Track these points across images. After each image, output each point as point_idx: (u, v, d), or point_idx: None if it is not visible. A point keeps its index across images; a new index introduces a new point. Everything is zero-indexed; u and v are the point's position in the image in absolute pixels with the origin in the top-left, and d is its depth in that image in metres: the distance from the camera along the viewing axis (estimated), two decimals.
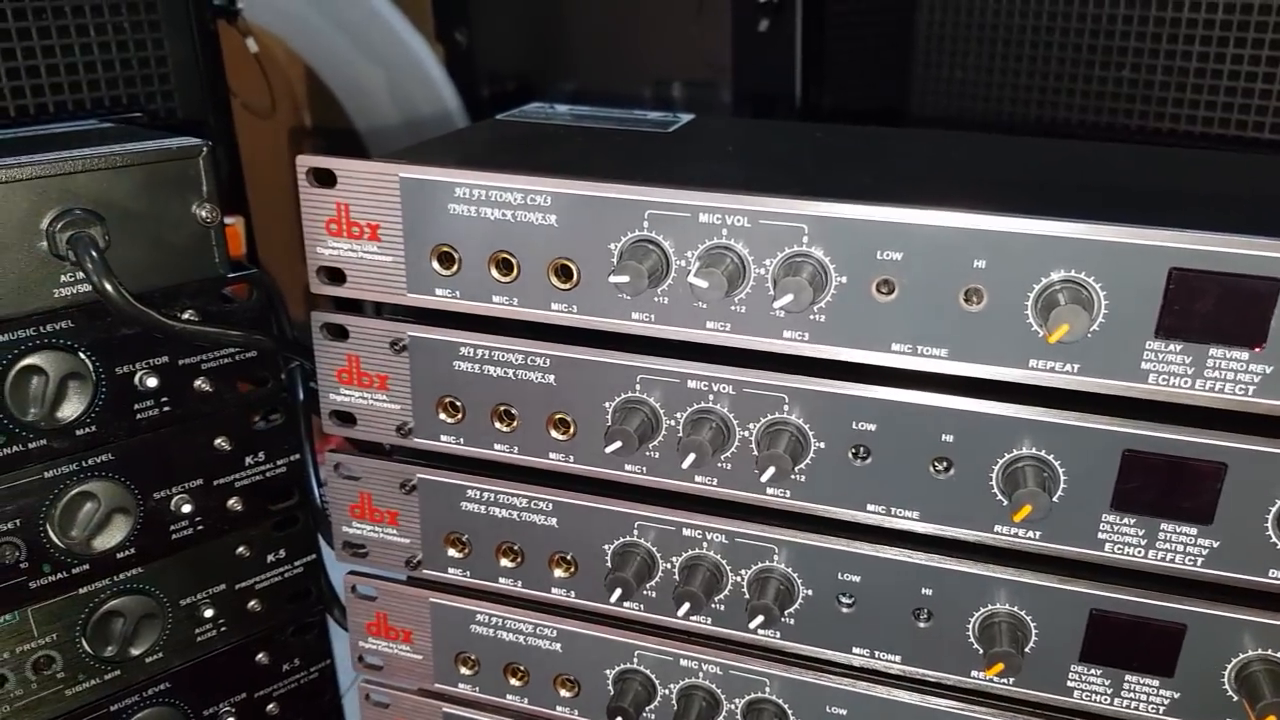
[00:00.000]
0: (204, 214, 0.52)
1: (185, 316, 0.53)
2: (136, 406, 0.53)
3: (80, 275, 0.49)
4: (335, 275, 0.53)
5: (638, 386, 0.51)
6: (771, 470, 0.47)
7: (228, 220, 0.85)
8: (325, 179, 0.51)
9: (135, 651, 0.57)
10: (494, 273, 0.50)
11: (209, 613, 0.59)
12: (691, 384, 0.50)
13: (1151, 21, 0.91)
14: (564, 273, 0.49)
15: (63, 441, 0.51)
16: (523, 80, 1.73)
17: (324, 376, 0.56)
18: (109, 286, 0.47)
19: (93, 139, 0.53)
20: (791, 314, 0.46)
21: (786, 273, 0.45)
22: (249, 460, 0.58)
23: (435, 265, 0.51)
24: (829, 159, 0.60)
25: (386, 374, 0.55)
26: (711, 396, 0.50)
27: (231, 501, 0.58)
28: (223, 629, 0.60)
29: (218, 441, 0.56)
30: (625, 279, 0.46)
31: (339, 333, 0.55)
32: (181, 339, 0.53)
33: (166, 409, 0.54)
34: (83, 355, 0.50)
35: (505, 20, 1.74)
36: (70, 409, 0.50)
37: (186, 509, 0.56)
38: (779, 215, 0.45)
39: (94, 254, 0.47)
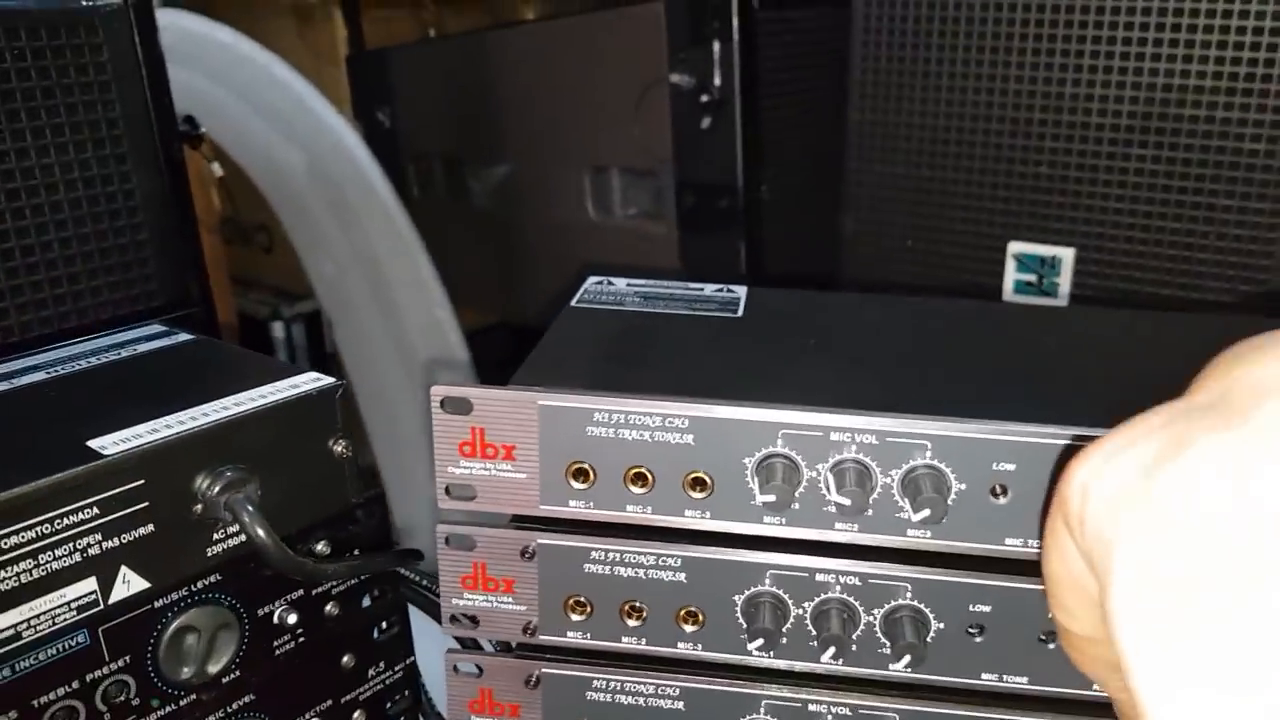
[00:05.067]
0: (339, 449, 0.52)
1: (318, 549, 0.53)
2: (276, 644, 0.52)
3: (232, 529, 0.48)
4: (464, 491, 0.55)
5: (766, 581, 0.55)
6: (906, 656, 0.53)
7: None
8: (461, 407, 0.53)
9: None
10: (630, 487, 0.53)
11: None
12: (820, 577, 0.54)
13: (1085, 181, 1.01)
14: (699, 484, 0.53)
15: (210, 693, 0.50)
16: (449, 160, 1.72)
17: (447, 582, 0.57)
18: (270, 543, 0.47)
19: (208, 375, 0.52)
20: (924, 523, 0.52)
21: (913, 486, 0.51)
22: (371, 673, 0.58)
23: (570, 481, 0.54)
24: (928, 357, 0.63)
25: (513, 578, 0.56)
26: (838, 588, 0.54)
27: (355, 716, 0.58)
28: None
29: (345, 660, 0.56)
30: (773, 499, 0.50)
31: (466, 543, 0.56)
32: (328, 579, 0.53)
33: (301, 640, 0.53)
34: (228, 604, 0.50)
35: (428, 101, 1.72)
36: (220, 661, 0.50)
37: None
38: (902, 434, 0.51)
39: (250, 510, 0.47)
